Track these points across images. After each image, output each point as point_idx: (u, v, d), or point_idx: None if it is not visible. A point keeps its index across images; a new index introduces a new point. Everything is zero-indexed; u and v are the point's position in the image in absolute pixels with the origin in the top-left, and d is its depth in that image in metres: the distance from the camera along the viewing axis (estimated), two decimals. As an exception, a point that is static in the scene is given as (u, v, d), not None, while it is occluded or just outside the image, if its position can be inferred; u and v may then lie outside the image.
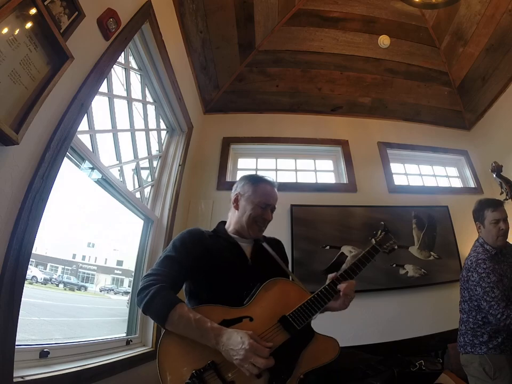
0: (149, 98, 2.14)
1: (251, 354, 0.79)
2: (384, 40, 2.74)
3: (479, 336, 1.49)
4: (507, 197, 1.74)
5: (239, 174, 2.97)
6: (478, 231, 1.67)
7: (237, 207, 1.17)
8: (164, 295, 0.89)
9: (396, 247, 1.17)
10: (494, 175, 1.81)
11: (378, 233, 1.18)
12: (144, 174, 2.18)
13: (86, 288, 2.13)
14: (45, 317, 1.47)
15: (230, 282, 1.00)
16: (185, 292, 1.07)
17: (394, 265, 2.40)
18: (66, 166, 1.21)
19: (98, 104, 1.60)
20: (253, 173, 2.95)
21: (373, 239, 1.15)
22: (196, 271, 1.01)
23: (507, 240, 1.60)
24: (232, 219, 1.18)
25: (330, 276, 1.03)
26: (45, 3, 0.96)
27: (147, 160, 2.16)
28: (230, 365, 0.83)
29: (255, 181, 1.18)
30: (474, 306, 1.51)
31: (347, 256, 2.43)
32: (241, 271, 1.04)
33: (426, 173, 3.16)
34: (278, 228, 2.25)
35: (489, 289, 1.42)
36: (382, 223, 1.22)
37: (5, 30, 0.83)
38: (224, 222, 1.23)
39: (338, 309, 1.02)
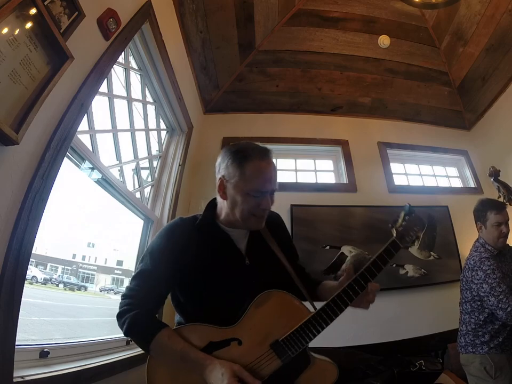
0: (149, 98, 2.14)
1: None
2: (384, 40, 2.74)
3: (480, 336, 1.49)
4: (504, 201, 1.75)
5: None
6: (478, 231, 1.68)
7: (224, 196, 0.89)
8: (140, 324, 0.81)
9: (421, 234, 0.96)
10: (492, 179, 1.82)
11: (401, 217, 0.90)
12: (144, 174, 2.18)
13: (86, 288, 2.14)
14: (45, 317, 1.47)
15: (223, 290, 0.86)
16: (171, 297, 0.93)
17: (394, 265, 2.40)
18: (66, 166, 1.21)
19: (98, 104, 1.60)
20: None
21: (393, 229, 0.88)
22: (180, 281, 0.88)
23: (507, 242, 1.62)
24: (222, 208, 0.93)
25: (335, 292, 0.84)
26: (45, 3, 0.96)
27: (147, 160, 2.16)
28: None
29: (241, 158, 0.86)
30: (478, 306, 1.52)
31: (347, 256, 2.42)
32: (236, 275, 0.88)
33: (426, 173, 3.16)
34: (278, 228, 2.24)
35: (495, 284, 1.43)
36: (407, 204, 0.91)
37: (5, 30, 0.83)
38: (214, 205, 0.97)
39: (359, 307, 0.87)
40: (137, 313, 0.81)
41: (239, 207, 0.86)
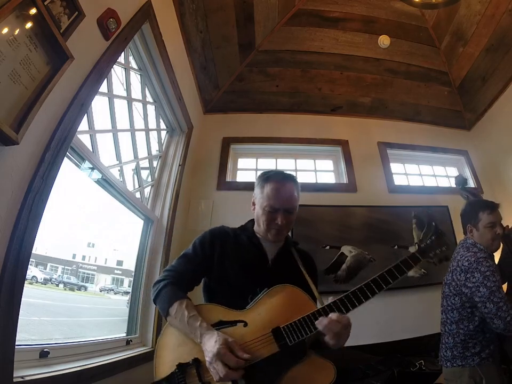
0: (149, 98, 2.14)
1: (216, 360, 0.78)
2: (384, 40, 2.74)
3: (470, 347, 1.37)
4: None
5: (239, 174, 2.97)
6: (469, 234, 1.55)
7: (254, 210, 1.12)
8: (168, 290, 0.95)
9: (448, 254, 0.94)
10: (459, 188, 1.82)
11: (428, 236, 0.96)
12: (144, 174, 2.18)
13: (86, 288, 2.14)
14: (45, 317, 1.47)
15: (242, 284, 0.98)
16: (202, 287, 1.09)
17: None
18: (66, 166, 1.21)
19: (98, 104, 1.60)
20: (253, 173, 2.94)
21: (416, 244, 0.92)
22: (210, 271, 1.04)
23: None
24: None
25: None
26: (45, 3, 0.96)
27: (147, 160, 2.16)
28: None
29: (263, 181, 1.08)
30: (467, 314, 1.39)
31: (347, 256, 2.42)
32: (258, 273, 1.01)
33: (426, 173, 3.16)
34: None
35: (495, 288, 1.29)
36: (433, 223, 1.01)
37: (5, 30, 0.83)
38: None
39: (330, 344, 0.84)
40: (171, 281, 0.98)
41: (260, 219, 1.07)
